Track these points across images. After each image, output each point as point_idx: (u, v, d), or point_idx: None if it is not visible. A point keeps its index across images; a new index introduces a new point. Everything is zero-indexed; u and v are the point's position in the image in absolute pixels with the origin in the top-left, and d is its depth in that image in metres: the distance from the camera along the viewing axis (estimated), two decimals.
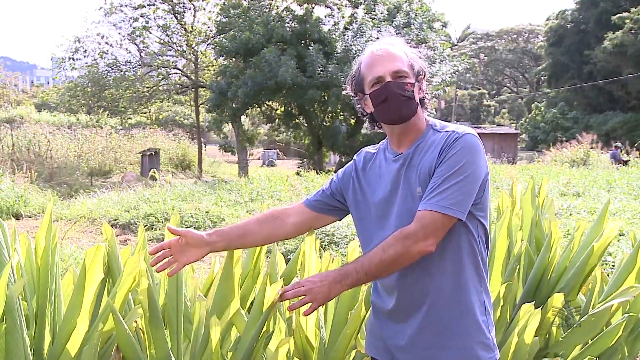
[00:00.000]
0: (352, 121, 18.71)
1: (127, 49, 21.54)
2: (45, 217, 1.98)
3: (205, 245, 1.77)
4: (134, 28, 20.73)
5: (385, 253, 1.57)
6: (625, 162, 17.73)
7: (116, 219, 8.22)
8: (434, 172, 1.61)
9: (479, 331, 1.67)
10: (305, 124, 18.67)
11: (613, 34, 30.26)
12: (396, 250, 1.56)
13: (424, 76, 1.74)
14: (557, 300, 2.13)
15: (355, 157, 1.89)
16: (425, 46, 17.44)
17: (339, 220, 1.93)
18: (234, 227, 1.85)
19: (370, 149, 1.88)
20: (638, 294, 2.37)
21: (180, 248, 1.76)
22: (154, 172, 12.48)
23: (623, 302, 2.23)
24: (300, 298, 1.60)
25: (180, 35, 21.44)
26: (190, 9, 21.36)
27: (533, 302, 2.01)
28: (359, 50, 15.84)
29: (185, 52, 21.68)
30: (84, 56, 21.24)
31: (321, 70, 15.65)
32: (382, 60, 1.68)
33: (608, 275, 2.60)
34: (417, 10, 18.09)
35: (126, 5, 20.75)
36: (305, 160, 20.95)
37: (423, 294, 1.66)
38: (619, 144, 20.17)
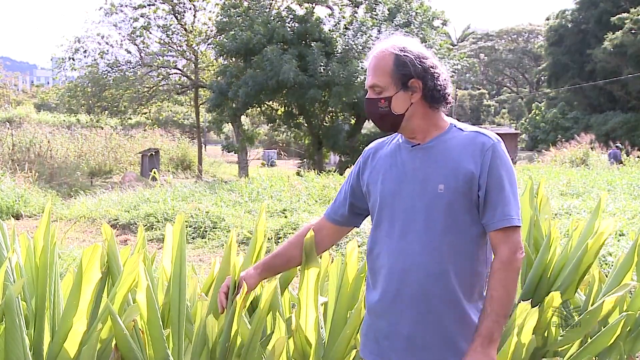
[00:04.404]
0: (352, 121, 18.71)
1: (127, 49, 21.57)
2: (43, 217, 1.99)
3: (258, 281, 1.99)
4: (134, 28, 20.73)
5: (507, 289, 1.62)
6: (621, 162, 17.77)
7: (116, 219, 8.23)
8: (479, 183, 1.63)
9: None
10: (306, 124, 18.67)
11: (613, 34, 30.25)
12: (513, 277, 1.63)
13: (431, 73, 1.67)
14: (555, 299, 2.13)
15: (364, 151, 1.88)
16: (426, 45, 17.42)
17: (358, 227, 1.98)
18: (277, 256, 1.99)
19: (379, 139, 1.88)
20: (636, 293, 2.38)
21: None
22: (155, 173, 12.50)
23: (621, 302, 2.23)
24: None
25: (180, 36, 21.44)
26: (190, 9, 21.36)
27: (529, 301, 2.02)
28: (360, 49, 15.86)
29: (185, 52, 21.68)
30: (84, 56, 21.25)
31: (322, 70, 15.65)
32: (369, 70, 1.71)
33: (606, 276, 2.60)
34: (417, 10, 18.09)
35: (126, 6, 20.76)
36: (305, 160, 20.95)
37: (424, 294, 1.65)
38: (619, 144, 20.18)
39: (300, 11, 17.76)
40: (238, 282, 1.96)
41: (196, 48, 21.57)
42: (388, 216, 1.71)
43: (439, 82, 1.68)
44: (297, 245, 1.96)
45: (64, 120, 25.02)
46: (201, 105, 22.44)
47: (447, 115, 1.78)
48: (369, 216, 1.86)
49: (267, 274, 1.99)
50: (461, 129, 1.71)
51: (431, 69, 1.68)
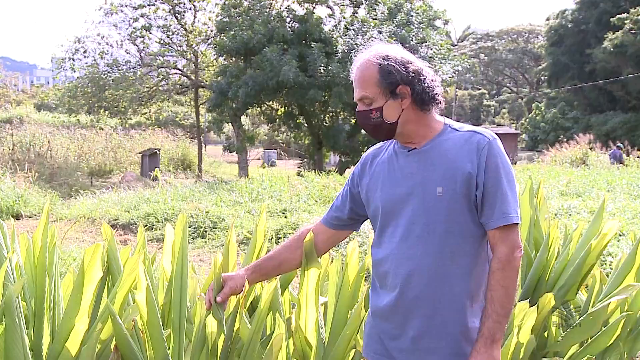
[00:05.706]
0: (352, 121, 18.72)
1: (127, 50, 21.57)
2: (42, 217, 1.99)
3: (249, 283, 1.95)
4: (134, 28, 20.73)
5: (507, 288, 1.62)
6: (622, 162, 17.77)
7: (116, 219, 8.23)
8: (476, 182, 1.63)
9: None
10: (306, 124, 18.67)
11: (613, 34, 30.26)
12: (512, 276, 1.62)
13: (417, 77, 1.67)
14: (548, 299, 2.13)
15: (362, 158, 1.90)
16: (426, 45, 17.43)
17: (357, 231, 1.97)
18: (269, 259, 1.97)
19: (376, 145, 1.88)
20: (636, 294, 2.38)
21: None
22: (157, 172, 12.50)
23: (621, 302, 2.23)
24: None
25: (180, 36, 21.43)
26: (190, 9, 21.36)
27: (527, 300, 2.02)
28: (361, 49, 15.83)
29: (185, 52, 21.67)
30: (84, 56, 21.24)
31: (322, 70, 15.65)
32: (355, 83, 1.72)
33: (607, 276, 2.60)
34: (417, 9, 18.08)
35: (126, 6, 20.76)
36: (305, 160, 20.95)
37: (428, 297, 1.66)
38: (620, 144, 20.17)
39: (301, 11, 17.76)
40: (222, 281, 1.94)
41: (196, 48, 21.56)
42: (389, 222, 1.72)
43: (426, 85, 1.68)
44: (290, 249, 1.95)
45: (64, 121, 25.00)
46: (201, 105, 22.43)
47: (445, 115, 1.78)
48: (368, 219, 1.87)
49: (258, 276, 1.97)
50: (456, 129, 1.71)
51: (417, 72, 1.68)
